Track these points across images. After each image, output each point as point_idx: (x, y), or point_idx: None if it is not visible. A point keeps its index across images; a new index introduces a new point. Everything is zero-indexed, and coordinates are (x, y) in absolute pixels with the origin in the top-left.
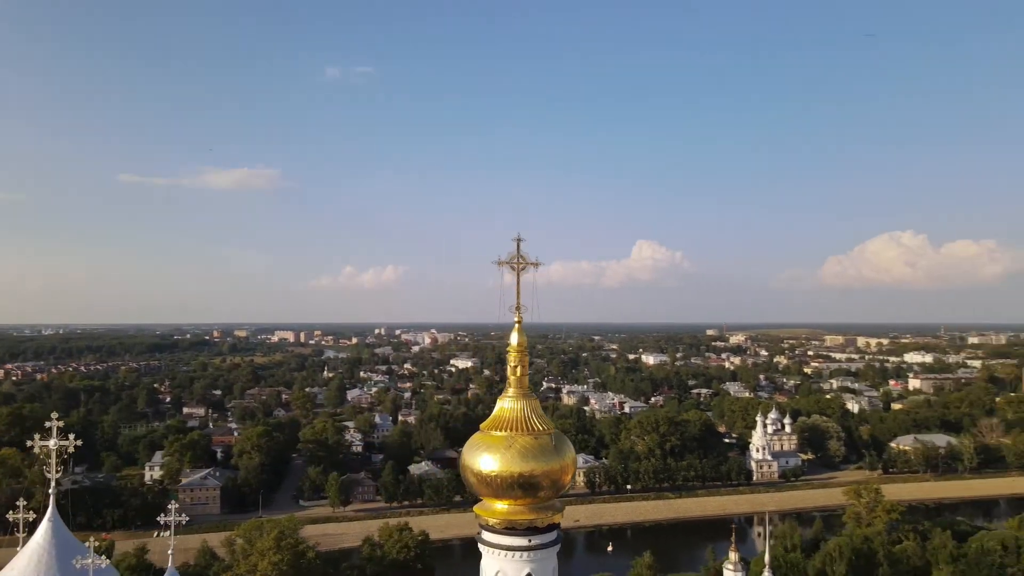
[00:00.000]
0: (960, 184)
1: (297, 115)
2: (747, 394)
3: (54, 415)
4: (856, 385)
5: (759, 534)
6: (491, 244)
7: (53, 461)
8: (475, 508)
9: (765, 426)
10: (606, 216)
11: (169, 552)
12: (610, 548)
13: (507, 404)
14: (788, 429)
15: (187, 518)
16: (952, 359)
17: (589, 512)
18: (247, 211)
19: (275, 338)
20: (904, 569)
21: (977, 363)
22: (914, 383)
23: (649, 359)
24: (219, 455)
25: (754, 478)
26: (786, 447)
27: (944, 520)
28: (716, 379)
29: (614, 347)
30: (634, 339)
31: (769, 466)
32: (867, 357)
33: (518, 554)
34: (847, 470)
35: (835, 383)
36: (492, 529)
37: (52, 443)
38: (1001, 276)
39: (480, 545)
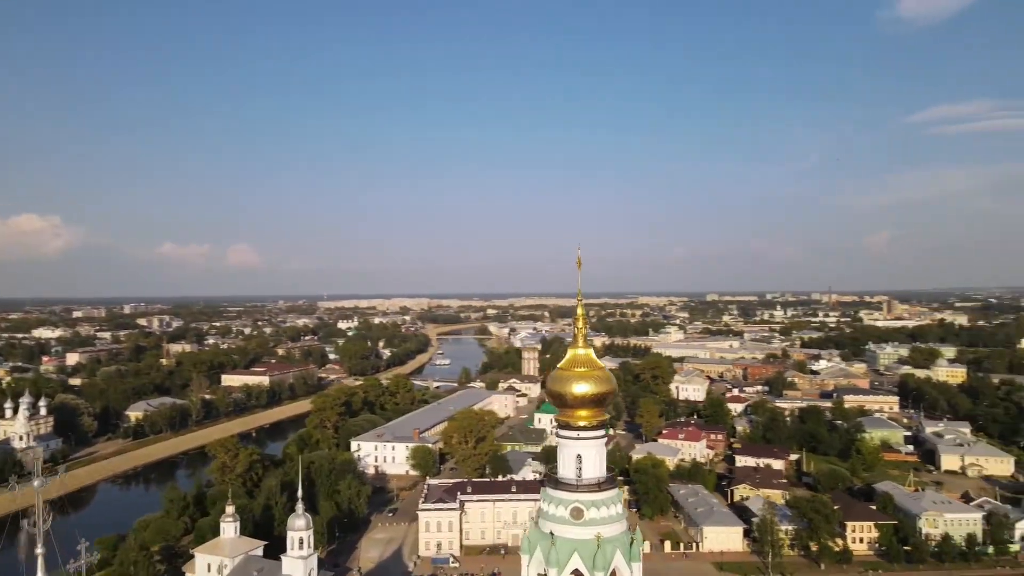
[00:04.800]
0: (24, 157)
1: None
2: None
3: None
4: None
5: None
6: None
7: None
8: (557, 417)
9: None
10: None
11: None
12: None
13: (579, 351)
14: (44, 412)
15: None
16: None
17: None
18: None
19: None
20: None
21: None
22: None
23: None
24: None
25: (26, 469)
26: (44, 431)
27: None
28: None
29: None
30: None
31: (36, 453)
32: None
33: (598, 440)
34: (100, 441)
35: None
36: (583, 428)
37: None
38: (63, 250)
39: (566, 440)
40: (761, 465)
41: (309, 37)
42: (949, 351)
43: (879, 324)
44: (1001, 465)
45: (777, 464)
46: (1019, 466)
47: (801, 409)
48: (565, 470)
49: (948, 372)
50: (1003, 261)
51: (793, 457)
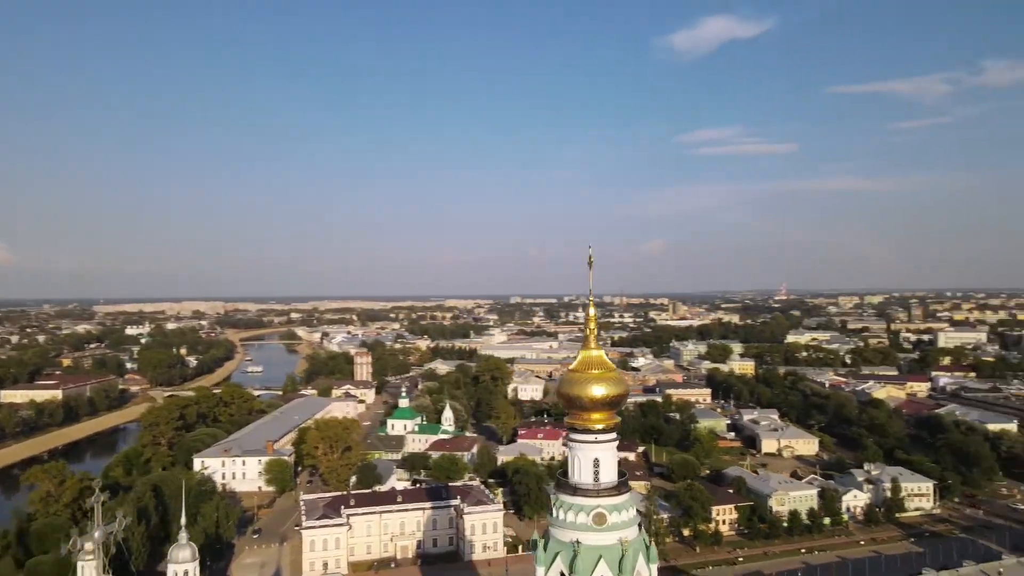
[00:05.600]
0: None
1: None
2: None
3: None
4: None
5: None
6: None
7: None
8: (570, 420)
9: None
10: None
11: None
12: None
13: (593, 353)
14: None
15: None
16: None
17: None
18: None
19: None
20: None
21: None
22: None
23: None
24: None
25: None
26: None
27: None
28: None
29: None
30: None
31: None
32: None
33: (613, 443)
34: None
35: None
36: (597, 431)
37: None
38: None
39: (571, 442)
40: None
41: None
42: (737, 347)
43: (672, 324)
44: (808, 446)
45: (630, 456)
46: (821, 446)
47: (641, 404)
48: (581, 475)
49: (740, 365)
50: (754, 267)
51: (640, 449)
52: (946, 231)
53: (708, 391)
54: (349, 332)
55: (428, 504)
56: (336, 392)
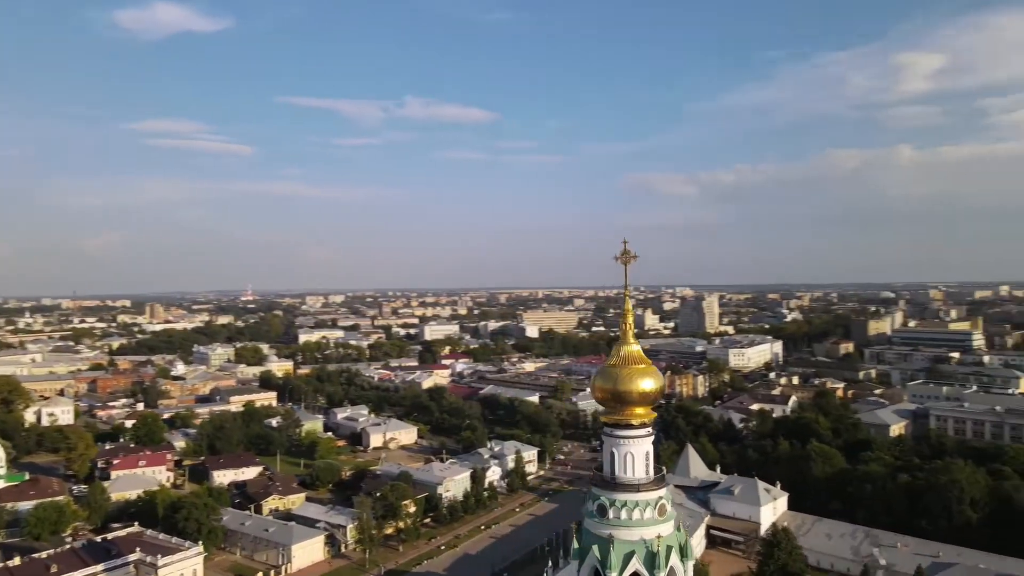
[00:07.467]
0: None
1: None
2: None
3: None
4: None
5: None
6: None
7: None
8: (613, 418)
9: None
10: None
11: None
12: None
13: (634, 347)
14: None
15: None
16: None
17: None
18: None
19: None
20: None
21: None
22: None
23: None
24: None
25: None
26: None
27: None
28: None
29: None
30: None
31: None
32: None
33: (648, 437)
34: None
35: None
36: (637, 426)
37: None
38: None
39: (617, 439)
40: (245, 474)
41: None
42: (265, 347)
43: (178, 327)
44: (409, 435)
45: (255, 470)
46: (419, 434)
47: (242, 414)
48: (635, 471)
49: (280, 366)
50: (214, 267)
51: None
52: (393, 237)
53: (273, 394)
54: None
55: (99, 567)
56: None
